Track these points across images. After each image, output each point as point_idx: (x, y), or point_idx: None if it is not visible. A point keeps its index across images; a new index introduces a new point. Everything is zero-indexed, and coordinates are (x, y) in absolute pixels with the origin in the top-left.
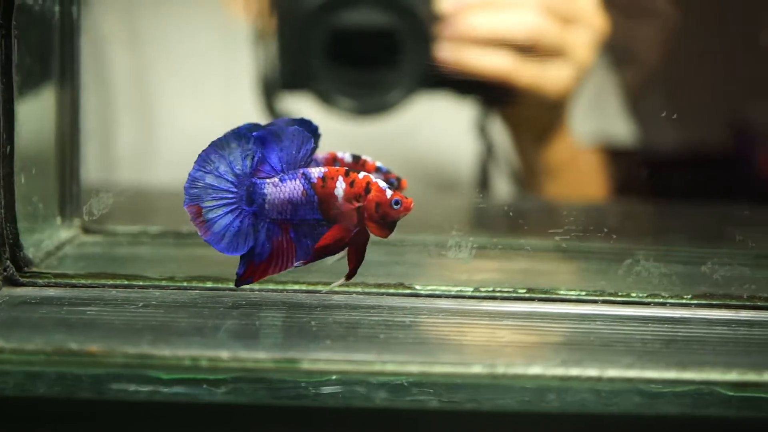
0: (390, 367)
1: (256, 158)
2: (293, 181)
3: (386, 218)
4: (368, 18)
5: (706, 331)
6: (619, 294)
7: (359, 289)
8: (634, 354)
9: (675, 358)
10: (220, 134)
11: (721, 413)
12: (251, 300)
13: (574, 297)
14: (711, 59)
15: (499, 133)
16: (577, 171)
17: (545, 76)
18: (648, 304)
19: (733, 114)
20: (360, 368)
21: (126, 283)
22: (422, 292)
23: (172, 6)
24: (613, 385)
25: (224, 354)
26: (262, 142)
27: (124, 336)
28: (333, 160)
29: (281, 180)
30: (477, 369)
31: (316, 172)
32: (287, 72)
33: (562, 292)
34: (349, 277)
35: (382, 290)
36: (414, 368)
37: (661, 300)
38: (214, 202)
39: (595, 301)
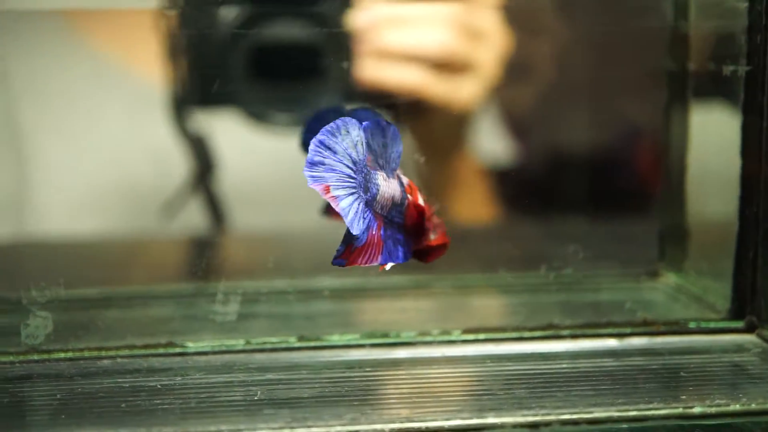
0: None
1: (364, 146)
2: (395, 180)
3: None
4: (290, 33)
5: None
6: (390, 335)
7: (126, 352)
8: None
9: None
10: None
11: None
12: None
13: (342, 343)
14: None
15: (408, 145)
16: (475, 188)
17: (454, 91)
18: (416, 343)
19: (615, 118)
20: None
21: None
22: (191, 350)
23: (41, 43)
24: None
25: None
26: (368, 132)
27: None
28: None
29: (387, 175)
30: None
31: (403, 177)
32: (204, 89)
33: (334, 338)
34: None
35: (149, 351)
36: None
37: (431, 338)
38: (339, 184)
39: (363, 346)
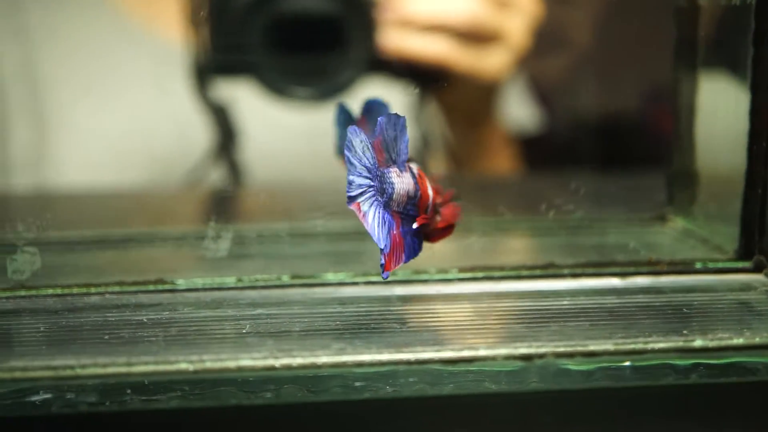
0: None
1: (371, 149)
2: (407, 172)
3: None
4: (310, 3)
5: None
6: None
7: (115, 288)
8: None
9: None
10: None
11: None
12: None
13: (336, 281)
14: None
15: (435, 115)
16: (503, 157)
17: (482, 61)
18: (412, 281)
19: (643, 81)
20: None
21: None
22: (182, 287)
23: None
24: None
25: None
26: (383, 128)
27: None
28: None
29: (400, 171)
30: (183, 365)
31: (414, 166)
32: (222, 58)
33: (328, 276)
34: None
35: (139, 288)
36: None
37: (427, 276)
38: (363, 197)
39: (356, 283)
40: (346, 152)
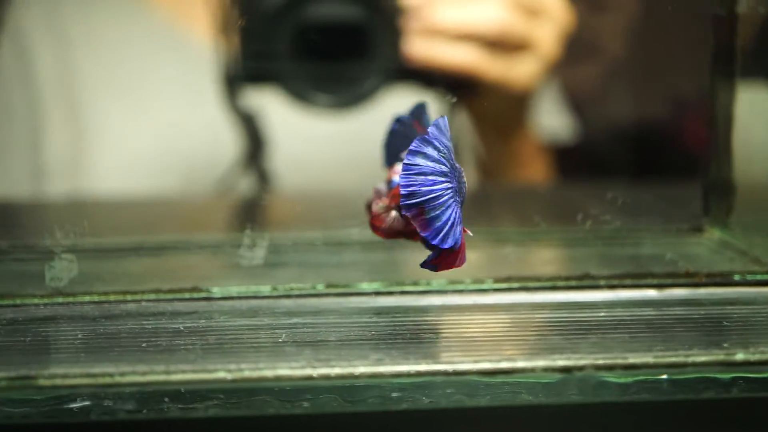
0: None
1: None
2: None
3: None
4: (336, 11)
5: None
6: (420, 284)
7: (151, 296)
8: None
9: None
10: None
11: None
12: (34, 315)
13: (371, 290)
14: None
15: (465, 125)
16: (536, 166)
17: (512, 70)
18: (447, 291)
19: (667, 88)
20: (102, 381)
21: None
22: (217, 295)
23: (104, 1)
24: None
25: None
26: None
27: None
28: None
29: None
30: (221, 374)
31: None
32: (250, 66)
33: (363, 285)
34: None
35: (175, 295)
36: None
37: (463, 287)
38: (436, 201)
39: (392, 293)
40: (432, 151)
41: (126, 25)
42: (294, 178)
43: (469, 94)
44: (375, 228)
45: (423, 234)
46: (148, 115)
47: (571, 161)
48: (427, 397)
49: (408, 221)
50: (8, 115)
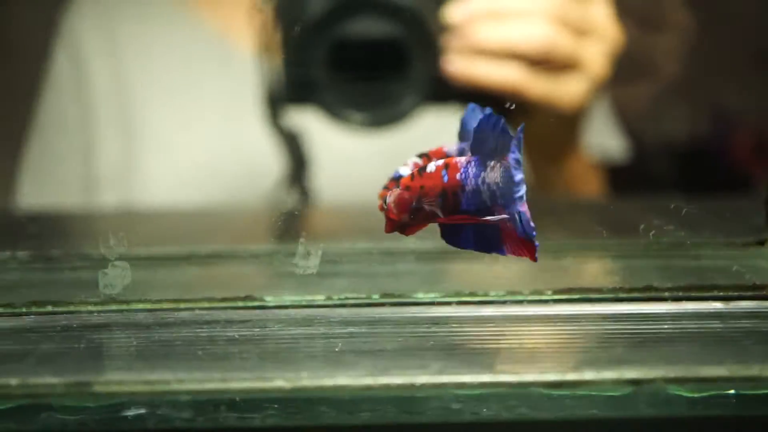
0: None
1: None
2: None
3: None
4: (374, 28)
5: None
6: (478, 294)
7: (204, 304)
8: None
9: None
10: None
11: None
12: (87, 322)
13: (427, 300)
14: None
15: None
16: (589, 186)
17: (558, 90)
18: (506, 302)
19: (712, 104)
20: (158, 388)
21: None
22: (271, 304)
23: (157, 14)
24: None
25: (13, 381)
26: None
27: None
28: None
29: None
30: (279, 383)
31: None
32: (291, 85)
33: (419, 295)
34: None
35: (228, 304)
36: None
37: (521, 297)
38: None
39: (448, 303)
40: (513, 150)
41: (177, 37)
42: (336, 195)
43: (515, 114)
44: (391, 221)
45: (521, 210)
46: (198, 126)
47: (624, 181)
48: (490, 410)
49: (425, 194)
50: (62, 126)
